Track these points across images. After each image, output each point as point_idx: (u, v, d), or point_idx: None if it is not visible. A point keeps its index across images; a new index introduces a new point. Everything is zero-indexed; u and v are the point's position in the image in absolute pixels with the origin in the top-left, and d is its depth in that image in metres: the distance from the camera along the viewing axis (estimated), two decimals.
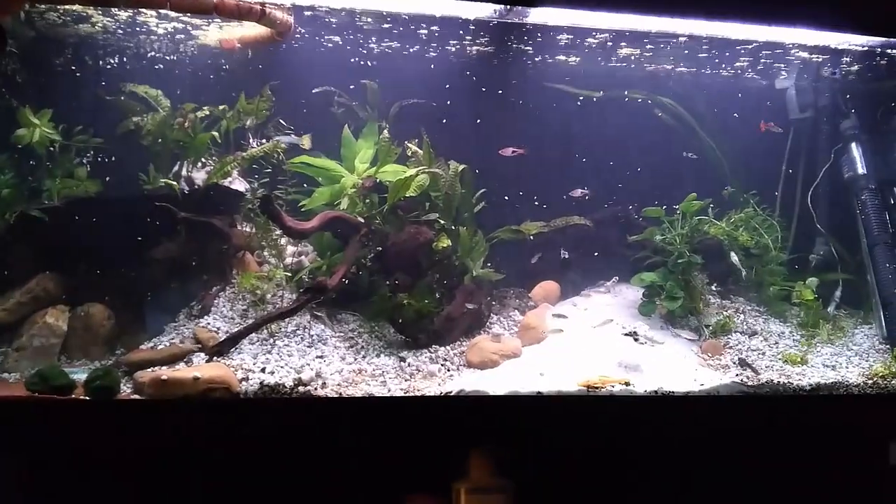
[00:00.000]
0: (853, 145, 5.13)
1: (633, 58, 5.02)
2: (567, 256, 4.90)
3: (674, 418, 3.73)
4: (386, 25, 4.40)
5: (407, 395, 3.59)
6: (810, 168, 5.48)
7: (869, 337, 4.83)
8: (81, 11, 4.10)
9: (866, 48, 4.42)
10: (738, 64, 5.09)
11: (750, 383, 3.92)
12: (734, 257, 4.91)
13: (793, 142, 5.54)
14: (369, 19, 4.30)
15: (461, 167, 4.68)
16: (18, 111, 4.10)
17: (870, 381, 4.06)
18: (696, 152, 5.36)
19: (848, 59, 4.94)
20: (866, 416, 3.97)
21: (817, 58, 4.99)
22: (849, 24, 3.97)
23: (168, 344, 3.86)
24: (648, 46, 4.79)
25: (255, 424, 3.39)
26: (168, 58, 4.57)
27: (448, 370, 3.99)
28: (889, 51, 4.49)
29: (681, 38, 4.56)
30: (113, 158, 4.44)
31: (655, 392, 3.72)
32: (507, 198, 5.03)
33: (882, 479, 3.90)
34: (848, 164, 5.13)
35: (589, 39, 4.62)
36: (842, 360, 4.39)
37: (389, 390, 3.61)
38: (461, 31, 4.49)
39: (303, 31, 4.33)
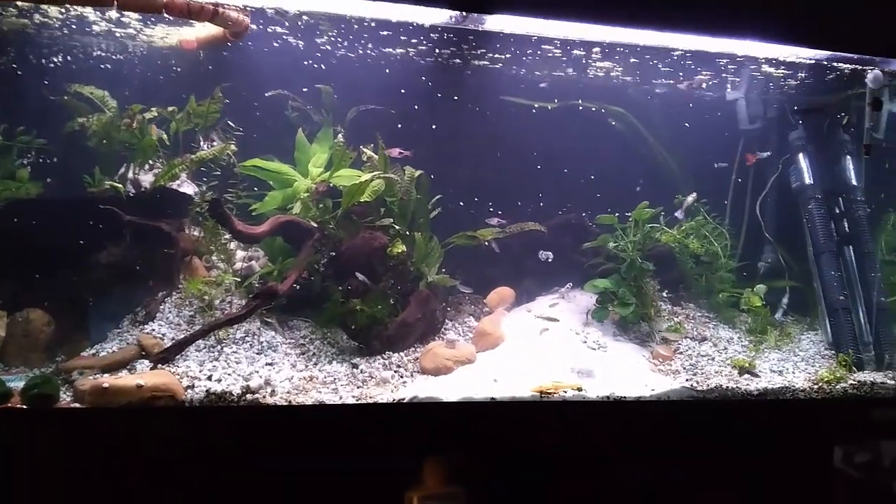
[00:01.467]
0: (800, 156, 5.25)
1: (587, 67, 5.05)
2: (549, 258, 4.89)
3: (626, 423, 3.75)
4: (342, 30, 4.36)
5: (359, 402, 3.54)
6: (759, 178, 5.60)
7: (815, 343, 4.94)
8: (24, 9, 3.96)
9: (813, 61, 4.53)
10: (689, 75, 5.17)
11: (699, 388, 3.97)
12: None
13: (742, 152, 5.65)
14: (324, 23, 4.25)
15: (417, 173, 4.66)
16: None
17: (815, 386, 4.14)
18: (647, 162, 5.44)
19: (791, 72, 5.05)
20: (812, 420, 4.05)
21: (778, 71, 5.10)
22: (797, 37, 4.06)
23: (111, 351, 3.74)
24: (601, 56, 4.83)
25: (200, 434, 3.31)
26: (115, 57, 4.46)
27: (401, 377, 3.95)
28: (835, 64, 4.60)
29: (635, 49, 4.61)
30: (56, 160, 4.30)
31: (607, 397, 3.74)
32: (462, 204, 5.03)
33: (828, 481, 3.98)
34: (795, 175, 5.25)
35: (544, 47, 4.63)
36: (788, 366, 4.48)
37: (341, 398, 3.56)
38: (417, 37, 4.47)
39: (257, 28, 4.25)
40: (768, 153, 5.35)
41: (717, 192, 5.60)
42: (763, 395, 4.01)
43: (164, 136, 4.33)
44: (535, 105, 5.25)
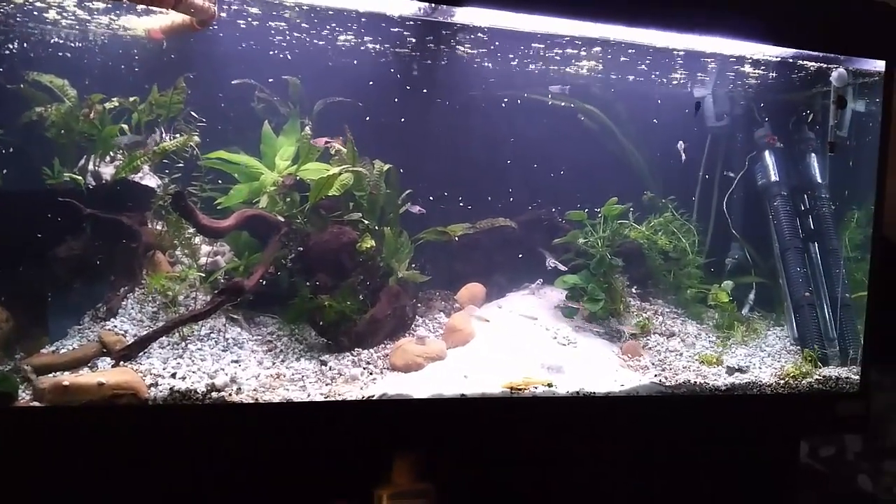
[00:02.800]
0: (766, 153, 5.31)
1: (556, 61, 5.05)
2: (555, 265, 4.88)
3: (595, 419, 3.76)
4: (308, 21, 4.29)
5: (328, 399, 3.48)
6: (726, 174, 5.65)
7: (781, 338, 5.00)
8: None
9: (779, 59, 4.58)
10: (656, 71, 5.19)
11: (668, 384, 3.99)
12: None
13: (710, 149, 5.70)
14: (289, 13, 4.17)
15: (386, 167, 4.60)
16: None
17: (782, 381, 4.19)
18: (615, 157, 5.46)
19: (759, 69, 5.10)
20: (778, 415, 4.10)
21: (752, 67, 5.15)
22: (763, 35, 4.10)
23: (72, 348, 3.63)
24: (570, 51, 4.82)
25: (164, 432, 3.23)
26: (75, 45, 4.32)
27: (371, 373, 3.90)
28: (801, 62, 4.65)
29: (603, 44, 4.61)
30: (13, 150, 4.16)
31: (577, 393, 3.74)
32: (432, 198, 4.99)
33: (793, 475, 4.04)
34: (761, 172, 5.30)
35: (514, 42, 4.62)
36: (755, 361, 4.52)
37: (309, 395, 3.50)
38: (386, 29, 4.42)
39: (224, 17, 4.16)
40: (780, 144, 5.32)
41: (684, 189, 5.64)
42: (730, 390, 4.04)
43: (126, 127, 4.21)
44: (505, 97, 5.24)
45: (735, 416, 4.05)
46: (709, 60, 4.98)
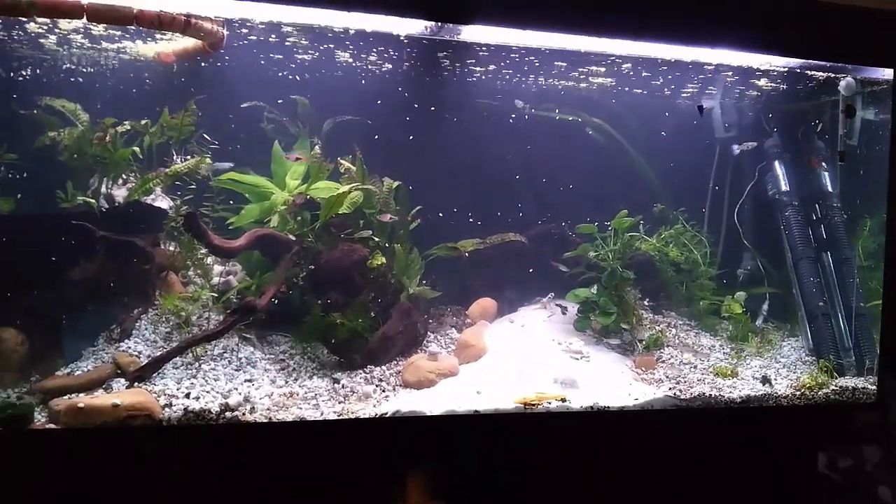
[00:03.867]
0: (776, 163, 5.30)
1: (565, 76, 5.07)
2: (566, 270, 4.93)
3: (610, 433, 3.74)
4: (316, 41, 4.33)
5: (341, 417, 3.48)
6: (736, 185, 5.64)
7: (796, 349, 4.96)
8: None
9: (787, 69, 4.58)
10: (665, 83, 5.20)
11: (682, 397, 3.96)
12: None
13: (719, 160, 5.69)
14: (296, 34, 4.21)
15: (395, 184, 4.62)
16: None
17: (798, 393, 4.15)
18: (626, 170, 5.47)
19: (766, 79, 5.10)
20: (795, 427, 4.06)
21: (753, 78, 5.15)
22: (770, 45, 4.10)
23: (86, 369, 3.65)
24: (578, 66, 4.84)
25: (178, 453, 3.23)
26: (87, 70, 4.39)
27: (384, 391, 3.90)
28: (808, 72, 4.65)
29: (611, 58, 4.62)
30: (27, 175, 4.21)
31: (591, 407, 3.72)
32: (441, 215, 5.00)
33: (812, 486, 3.99)
34: (772, 182, 5.29)
35: (520, 57, 4.64)
36: (770, 373, 4.48)
37: (322, 413, 3.50)
38: (394, 48, 4.45)
39: (233, 43, 4.21)
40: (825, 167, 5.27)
41: (694, 201, 5.63)
42: (746, 402, 4.01)
43: (138, 150, 4.26)
44: (513, 113, 5.26)
45: (751, 428, 4.01)
46: (716, 72, 4.98)
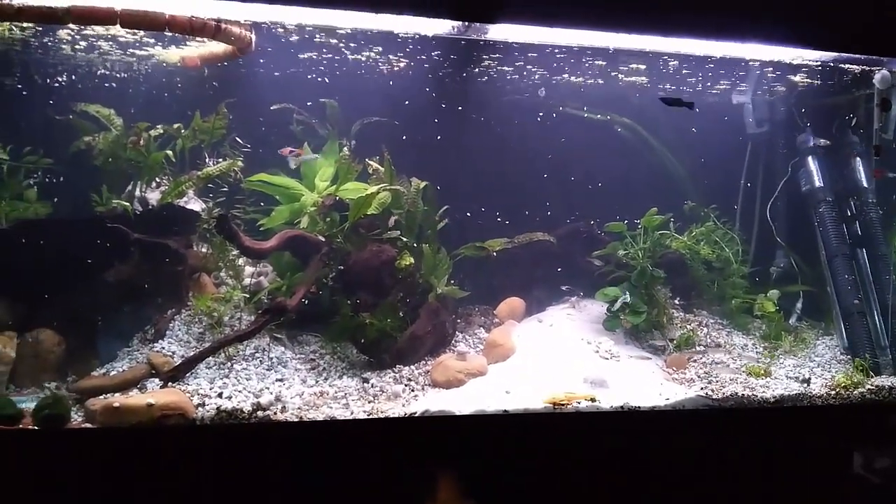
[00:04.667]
0: (809, 159, 5.21)
1: (592, 74, 5.04)
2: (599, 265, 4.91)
3: (641, 433, 3.71)
4: (344, 42, 4.36)
5: (370, 416, 3.50)
6: (768, 182, 5.56)
7: (830, 348, 4.88)
8: (30, 29, 3.98)
9: (820, 63, 4.50)
10: (695, 79, 5.14)
11: (715, 397, 3.92)
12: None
13: (750, 156, 5.62)
14: (327, 37, 4.24)
15: (423, 184, 4.64)
16: None
17: (833, 392, 4.08)
18: (655, 168, 5.42)
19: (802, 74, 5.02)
20: (830, 427, 4.00)
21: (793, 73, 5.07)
22: (803, 39, 4.03)
23: (121, 370, 3.72)
24: (603, 63, 4.81)
25: (211, 452, 3.28)
26: (120, 76, 4.47)
27: (413, 390, 3.91)
28: (842, 66, 4.56)
29: (640, 55, 4.59)
30: (63, 179, 4.31)
31: (621, 407, 3.69)
32: (469, 214, 5.00)
33: (848, 487, 3.92)
34: (805, 178, 5.20)
35: (549, 56, 4.62)
36: (804, 372, 4.41)
37: (352, 412, 3.53)
38: (421, 48, 4.47)
39: (264, 44, 4.26)
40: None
41: (726, 197, 5.56)
42: (780, 402, 3.95)
43: (171, 153, 4.33)
44: (541, 112, 5.25)
45: (785, 428, 3.96)
46: (747, 67, 4.92)
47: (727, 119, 5.56)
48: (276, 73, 4.68)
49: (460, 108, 5.10)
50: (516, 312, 4.94)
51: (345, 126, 4.80)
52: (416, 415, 3.52)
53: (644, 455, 3.68)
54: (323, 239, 4.34)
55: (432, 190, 4.71)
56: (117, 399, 3.31)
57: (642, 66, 4.85)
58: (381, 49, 4.46)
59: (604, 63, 4.79)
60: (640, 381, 4.10)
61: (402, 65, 4.73)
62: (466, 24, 3.63)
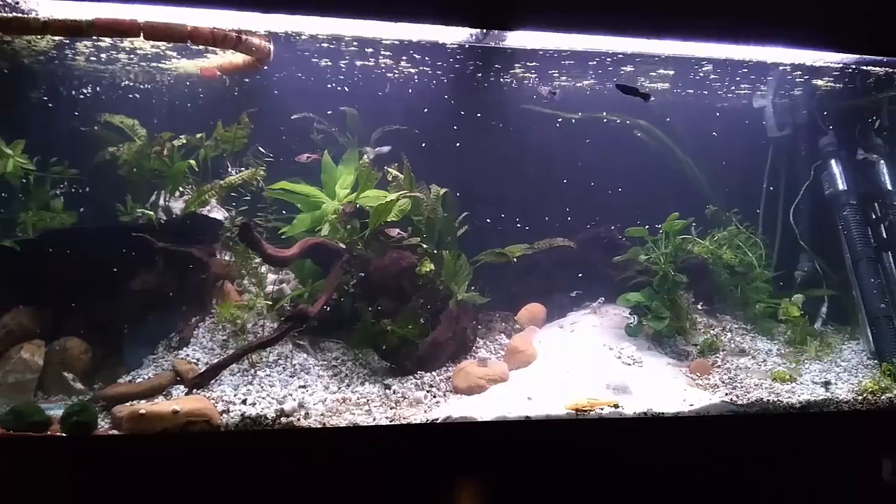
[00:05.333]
0: (833, 162, 5.16)
1: (611, 78, 5.03)
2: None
3: (664, 439, 3.68)
4: (363, 52, 4.39)
5: (392, 423, 3.51)
6: (791, 185, 5.51)
7: (857, 352, 4.82)
8: (55, 42, 4.05)
9: (842, 65, 4.46)
10: (715, 83, 5.12)
11: (739, 402, 3.88)
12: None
13: (772, 159, 5.58)
14: (348, 45, 4.28)
15: (443, 191, 4.65)
16: None
17: (860, 397, 4.03)
18: (675, 172, 5.39)
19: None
20: (857, 433, 3.94)
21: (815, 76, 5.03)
22: (824, 41, 4.00)
23: (147, 377, 3.76)
24: (628, 68, 4.80)
25: (236, 458, 3.30)
26: (143, 87, 4.54)
27: (434, 396, 3.92)
28: (865, 68, 4.52)
29: (658, 59, 4.57)
30: (88, 189, 4.37)
31: (645, 413, 3.67)
32: (489, 220, 5.01)
33: (874, 494, 3.86)
34: (828, 181, 5.15)
35: (567, 62, 4.62)
36: (830, 377, 4.36)
37: (374, 419, 3.54)
38: (439, 56, 4.49)
39: (280, 57, 4.30)
40: None
41: (748, 201, 5.52)
42: (805, 407, 3.91)
43: (194, 163, 4.38)
44: (559, 117, 5.24)
45: (811, 434, 3.91)
46: (770, 70, 4.88)
47: (748, 122, 5.52)
48: (296, 83, 4.72)
49: (479, 114, 5.11)
50: (537, 318, 4.93)
51: (364, 134, 4.83)
52: (438, 421, 3.53)
53: (668, 461, 3.65)
54: (343, 246, 4.36)
55: (452, 196, 4.72)
56: (143, 406, 3.35)
57: (671, 72, 4.82)
58: (399, 56, 4.48)
59: (632, 69, 4.77)
60: (664, 387, 4.07)
61: (421, 72, 4.75)
62: (484, 31, 3.65)
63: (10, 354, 3.72)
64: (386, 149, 4.68)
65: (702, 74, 4.86)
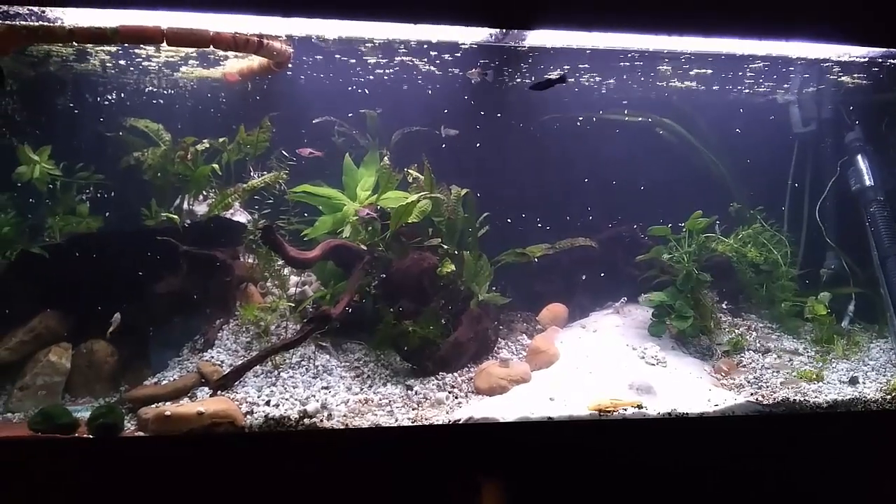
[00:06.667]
0: (859, 157, 5.08)
1: (633, 76, 5.00)
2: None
3: (689, 440, 3.65)
4: (383, 54, 4.41)
5: (415, 424, 3.52)
6: (817, 182, 5.44)
7: (885, 351, 4.74)
8: (80, 49, 4.11)
9: (867, 59, 4.39)
10: (738, 79, 5.06)
11: (765, 402, 3.84)
12: None
13: (798, 156, 5.51)
14: (367, 48, 4.29)
15: (463, 191, 4.65)
16: (18, 149, 4.10)
17: (888, 397, 3.96)
18: (698, 170, 5.35)
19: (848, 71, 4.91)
20: (886, 433, 3.88)
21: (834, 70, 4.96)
22: (849, 35, 3.94)
23: (172, 379, 3.81)
24: (645, 65, 4.76)
25: (260, 459, 3.33)
26: (167, 92, 4.59)
27: (456, 397, 3.92)
28: (892, 61, 4.45)
29: (681, 56, 4.54)
30: (114, 194, 4.43)
31: (669, 414, 3.64)
32: (510, 220, 5.00)
33: None
34: (855, 177, 5.08)
35: (587, 62, 4.60)
36: (858, 376, 4.30)
37: (397, 420, 3.55)
38: (459, 56, 4.48)
39: (302, 60, 4.33)
40: None
41: (773, 198, 5.45)
42: (833, 407, 3.85)
43: (217, 167, 4.42)
44: (580, 116, 5.22)
45: (839, 434, 3.85)
46: (795, 64, 4.82)
47: (773, 118, 5.46)
48: (317, 86, 4.74)
49: (499, 114, 5.10)
50: (559, 318, 4.91)
51: (385, 136, 4.85)
52: (460, 422, 3.53)
53: (693, 462, 3.62)
54: (365, 248, 4.38)
55: (473, 197, 4.72)
56: (168, 408, 3.38)
57: (709, 72, 4.81)
58: (419, 56, 4.49)
59: (647, 65, 4.73)
60: (688, 387, 4.03)
61: (441, 72, 4.75)
62: (503, 31, 3.64)
63: (39, 357, 3.79)
64: (455, 131, 4.64)
65: (733, 71, 4.82)
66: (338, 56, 4.41)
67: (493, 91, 5.01)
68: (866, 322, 5.21)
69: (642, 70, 4.84)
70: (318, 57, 4.40)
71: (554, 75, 4.10)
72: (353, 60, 4.50)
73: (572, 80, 4.89)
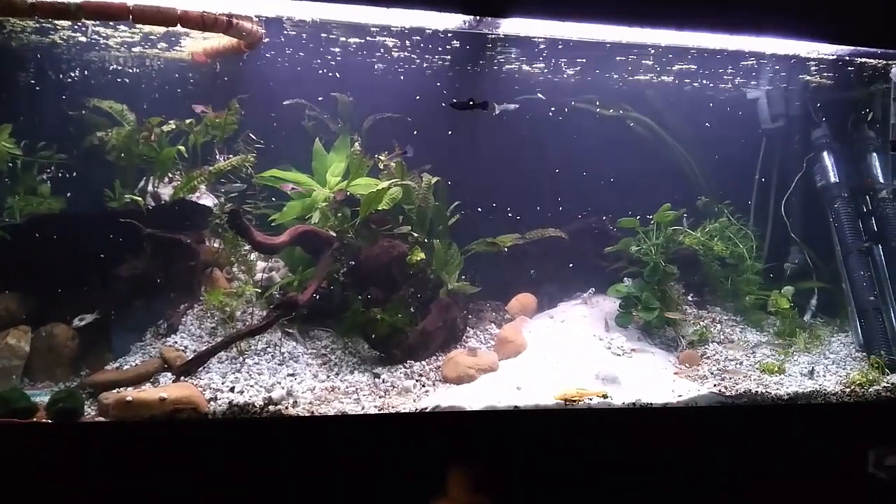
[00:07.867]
0: (825, 154, 5.15)
1: (606, 67, 5.01)
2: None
3: (652, 430, 3.69)
4: (356, 37, 4.36)
5: (381, 412, 3.50)
6: (783, 177, 5.51)
7: (845, 345, 4.83)
8: (42, 24, 4.00)
9: (835, 57, 4.45)
10: (711, 74, 5.10)
11: (728, 394, 3.89)
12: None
13: (765, 151, 5.57)
14: (338, 33, 4.24)
15: (434, 180, 4.63)
16: None
17: (847, 390, 4.04)
18: (668, 163, 5.38)
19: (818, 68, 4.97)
20: (844, 425, 3.96)
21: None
22: (817, 33, 3.99)
23: (134, 364, 3.74)
24: (618, 58, 4.78)
25: (223, 446, 3.29)
26: (132, 71, 4.48)
27: (423, 386, 3.91)
28: (858, 60, 4.52)
29: (651, 49, 4.56)
30: (76, 174, 4.33)
31: (633, 404, 3.68)
32: (480, 210, 4.99)
33: (860, 486, 3.89)
34: (820, 173, 5.15)
35: (561, 51, 4.60)
36: (819, 369, 4.38)
37: (363, 408, 3.53)
38: (431, 43, 4.45)
39: (272, 41, 4.26)
40: None
41: (740, 193, 5.52)
42: (793, 399, 3.92)
43: (182, 149, 4.34)
44: (552, 106, 5.22)
45: (799, 426, 3.92)
46: (761, 61, 4.87)
47: (741, 114, 5.51)
48: (287, 69, 4.67)
49: (470, 102, 5.07)
50: (528, 308, 4.93)
51: (356, 121, 4.80)
52: (427, 410, 3.52)
53: (656, 452, 3.66)
54: (334, 234, 4.34)
55: (444, 185, 4.70)
56: (130, 393, 3.33)
57: (693, 67, 4.84)
58: (392, 43, 4.45)
59: (617, 57, 4.75)
60: (653, 378, 4.08)
61: (413, 60, 4.71)
62: (477, 18, 3.62)
63: None
64: (513, 106, 4.52)
65: (697, 66, 4.85)
66: (304, 39, 4.35)
67: (466, 78, 4.98)
68: (828, 316, 5.31)
69: (616, 63, 4.86)
70: (287, 39, 4.33)
71: (478, 101, 4.09)
72: (326, 43, 4.44)
73: (541, 87, 4.88)
